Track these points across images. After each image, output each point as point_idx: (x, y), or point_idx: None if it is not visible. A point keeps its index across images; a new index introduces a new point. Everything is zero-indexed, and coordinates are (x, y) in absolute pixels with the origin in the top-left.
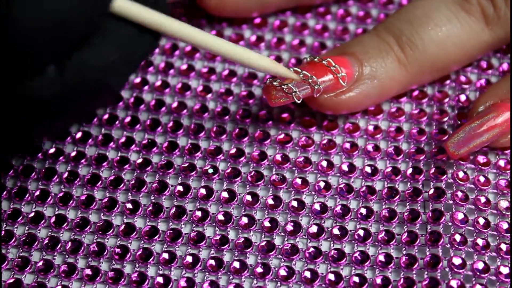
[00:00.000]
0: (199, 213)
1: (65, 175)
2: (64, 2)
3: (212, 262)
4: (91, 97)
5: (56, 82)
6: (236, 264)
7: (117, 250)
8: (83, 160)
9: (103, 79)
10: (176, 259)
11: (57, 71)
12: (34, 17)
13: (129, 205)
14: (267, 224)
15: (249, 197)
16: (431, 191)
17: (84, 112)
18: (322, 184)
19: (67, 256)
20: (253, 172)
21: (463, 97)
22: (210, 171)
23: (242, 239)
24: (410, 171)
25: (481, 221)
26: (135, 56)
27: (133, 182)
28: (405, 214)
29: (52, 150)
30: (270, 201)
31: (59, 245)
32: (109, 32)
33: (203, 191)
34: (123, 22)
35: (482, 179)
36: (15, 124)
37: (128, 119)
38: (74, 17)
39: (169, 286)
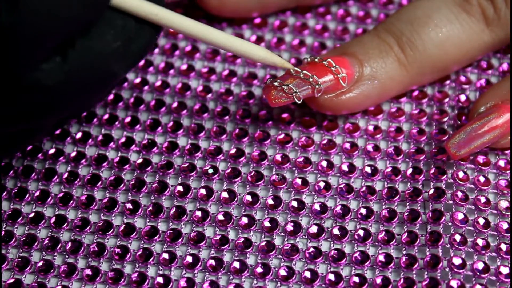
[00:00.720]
0: (199, 213)
1: (65, 175)
2: None
3: (212, 262)
4: (96, 84)
5: (62, 69)
6: (236, 264)
7: (117, 250)
8: (83, 161)
9: (107, 66)
10: (176, 259)
11: (62, 58)
12: (43, 2)
13: (129, 205)
14: (267, 224)
15: (249, 197)
16: (431, 191)
17: (90, 101)
18: (322, 184)
19: (67, 256)
20: (253, 172)
21: (463, 97)
22: (210, 171)
23: (242, 239)
24: (410, 171)
25: (481, 221)
26: (137, 46)
27: (133, 182)
28: (405, 214)
29: (52, 151)
30: (270, 201)
31: (59, 245)
32: (110, 23)
33: (203, 191)
34: (122, 14)
35: (482, 179)
36: (22, 115)
37: (128, 119)
38: (78, 4)
39: (169, 286)
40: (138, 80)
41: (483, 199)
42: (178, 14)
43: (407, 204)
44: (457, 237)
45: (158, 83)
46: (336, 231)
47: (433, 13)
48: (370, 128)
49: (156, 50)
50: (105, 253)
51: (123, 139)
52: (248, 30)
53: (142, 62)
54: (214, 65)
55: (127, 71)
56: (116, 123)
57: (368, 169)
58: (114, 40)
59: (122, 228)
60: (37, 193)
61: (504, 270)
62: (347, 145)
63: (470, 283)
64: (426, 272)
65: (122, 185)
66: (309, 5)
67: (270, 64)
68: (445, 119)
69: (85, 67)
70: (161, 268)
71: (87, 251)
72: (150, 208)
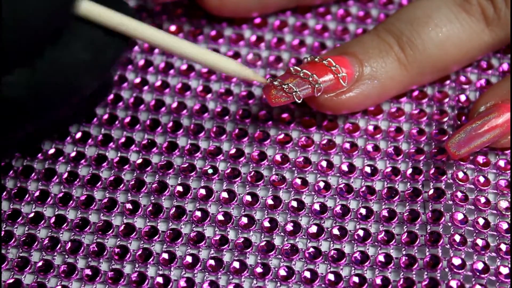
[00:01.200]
0: (199, 213)
1: (65, 175)
2: (29, 2)
3: (212, 262)
4: (62, 98)
5: (27, 80)
6: (236, 264)
7: (117, 250)
8: (82, 161)
9: (74, 78)
10: (176, 259)
11: (28, 69)
12: (6, 15)
13: (129, 206)
14: (266, 224)
15: (248, 197)
16: (431, 192)
17: (57, 117)
18: (321, 184)
19: (67, 256)
20: (253, 172)
21: (463, 97)
22: (210, 171)
23: (242, 239)
24: (410, 171)
25: (481, 221)
26: (105, 57)
27: (133, 182)
28: (405, 214)
29: (51, 151)
30: (270, 201)
31: (59, 245)
32: (79, 34)
33: (203, 191)
34: (90, 24)
35: (482, 179)
36: None
37: (128, 119)
38: (39, 16)
39: (169, 286)
40: (138, 80)
41: (483, 199)
42: (148, 25)
43: (407, 204)
44: (457, 237)
45: (158, 83)
46: (335, 231)
47: (433, 13)
48: (370, 128)
49: (156, 50)
50: (105, 253)
51: (123, 139)
52: (248, 30)
53: (142, 62)
54: None
55: (94, 83)
56: (116, 123)
57: (368, 169)
58: (82, 52)
59: (122, 228)
60: (37, 193)
61: (504, 270)
62: (347, 145)
63: (470, 283)
64: (425, 272)
65: (122, 185)
66: (309, 5)
67: (242, 78)
68: (445, 119)
69: (51, 78)
70: (161, 268)
71: (87, 251)
72: (150, 208)
